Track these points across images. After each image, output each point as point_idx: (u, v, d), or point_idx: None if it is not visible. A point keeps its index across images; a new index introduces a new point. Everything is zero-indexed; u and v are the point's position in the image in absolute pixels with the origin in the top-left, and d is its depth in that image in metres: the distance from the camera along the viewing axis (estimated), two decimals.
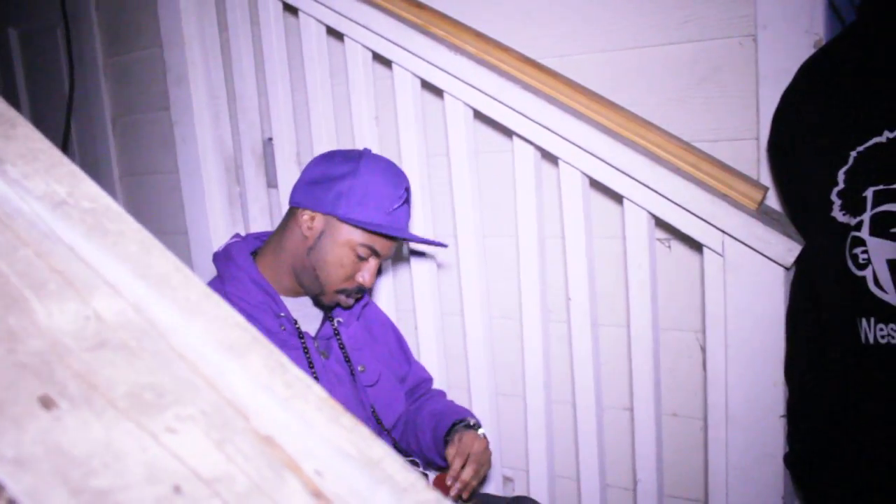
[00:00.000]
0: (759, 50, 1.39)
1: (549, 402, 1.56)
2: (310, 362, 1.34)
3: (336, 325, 1.41)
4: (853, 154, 1.10)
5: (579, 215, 1.42)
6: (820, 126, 1.16)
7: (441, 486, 1.31)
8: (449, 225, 1.67)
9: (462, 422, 1.39)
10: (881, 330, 1.08)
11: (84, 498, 0.28)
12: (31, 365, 0.32)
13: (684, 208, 1.29)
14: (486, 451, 1.35)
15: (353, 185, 1.29)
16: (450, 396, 1.61)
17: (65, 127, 2.40)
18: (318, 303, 1.39)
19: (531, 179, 1.47)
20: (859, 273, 1.11)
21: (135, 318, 0.37)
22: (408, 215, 1.36)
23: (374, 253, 1.32)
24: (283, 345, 1.31)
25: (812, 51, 1.32)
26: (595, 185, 1.42)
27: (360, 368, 1.41)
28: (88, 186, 0.45)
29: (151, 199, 2.33)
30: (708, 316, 1.33)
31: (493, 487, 1.64)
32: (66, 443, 0.30)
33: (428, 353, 1.65)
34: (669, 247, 1.56)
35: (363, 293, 1.40)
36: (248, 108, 1.85)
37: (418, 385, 1.57)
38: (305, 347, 1.34)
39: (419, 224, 1.60)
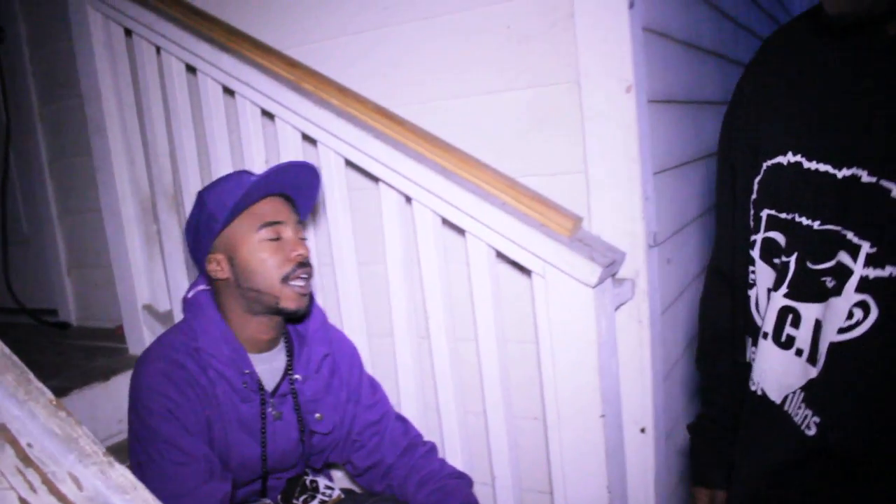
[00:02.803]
0: (582, 94, 1.59)
1: (425, 409, 1.76)
2: (263, 415, 1.42)
3: (293, 381, 1.47)
4: (765, 166, 1.10)
5: (431, 247, 1.62)
6: (753, 129, 1.15)
7: None
8: (329, 255, 1.86)
9: None
10: (753, 352, 1.16)
11: None
12: None
13: (509, 239, 1.49)
14: None
15: (206, 206, 1.36)
16: None
17: (3, 168, 2.60)
18: (286, 315, 1.40)
19: (395, 217, 1.67)
20: (749, 291, 1.16)
21: None
22: (265, 175, 1.34)
23: (273, 222, 1.35)
24: (243, 400, 1.39)
25: (625, 95, 1.53)
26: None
27: (317, 417, 1.49)
28: None
29: (87, 236, 2.53)
30: (539, 331, 1.53)
31: None
32: None
33: None
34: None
35: (309, 266, 1.39)
36: (159, 154, 2.05)
37: (381, 419, 1.62)
38: (263, 401, 1.42)
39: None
